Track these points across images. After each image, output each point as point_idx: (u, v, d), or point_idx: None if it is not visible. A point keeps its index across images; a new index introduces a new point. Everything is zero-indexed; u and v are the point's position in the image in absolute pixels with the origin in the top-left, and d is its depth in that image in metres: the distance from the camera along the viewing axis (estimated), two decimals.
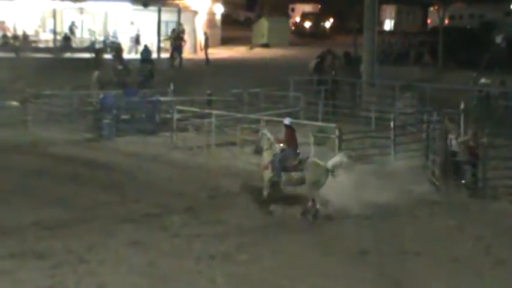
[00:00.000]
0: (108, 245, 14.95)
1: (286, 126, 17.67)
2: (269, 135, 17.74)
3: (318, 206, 16.80)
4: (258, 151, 17.92)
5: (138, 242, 15.16)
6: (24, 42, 41.56)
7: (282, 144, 17.38)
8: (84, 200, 18.25)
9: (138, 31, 43.35)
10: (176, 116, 25.11)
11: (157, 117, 27.11)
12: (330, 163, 16.91)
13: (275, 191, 17.57)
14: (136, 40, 42.99)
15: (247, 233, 15.86)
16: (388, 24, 72.26)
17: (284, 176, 17.13)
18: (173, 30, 43.25)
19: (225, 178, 20.34)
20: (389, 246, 15.34)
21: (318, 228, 16.42)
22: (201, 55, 45.91)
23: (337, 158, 17.20)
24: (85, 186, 19.52)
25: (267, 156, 17.49)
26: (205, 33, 46.39)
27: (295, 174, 17.01)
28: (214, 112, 25.09)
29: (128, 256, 14.42)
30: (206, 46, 44.59)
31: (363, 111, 27.92)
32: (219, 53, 48.42)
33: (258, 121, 25.01)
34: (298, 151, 17.38)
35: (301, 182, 16.99)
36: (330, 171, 16.79)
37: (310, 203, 16.89)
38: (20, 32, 42.70)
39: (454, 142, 19.59)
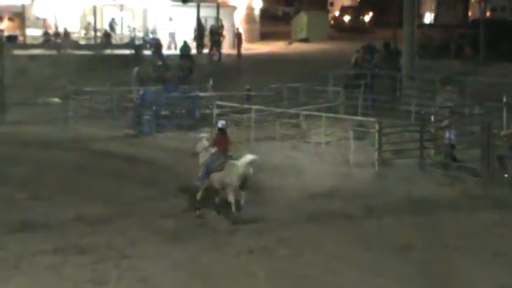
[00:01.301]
0: (149, 240, 15.03)
1: (218, 129, 17.45)
2: (205, 140, 17.59)
3: (233, 208, 16.28)
4: (194, 155, 17.70)
5: (179, 236, 15.23)
6: (65, 40, 41.95)
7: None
8: (125, 195, 18.38)
9: (175, 27, 43.49)
10: (216, 111, 25.18)
11: (197, 112, 27.20)
12: (240, 165, 16.39)
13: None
14: (174, 36, 43.15)
15: (287, 228, 15.79)
16: (428, 17, 71.55)
17: (206, 179, 16.88)
18: (212, 26, 43.37)
19: (264, 173, 20.29)
20: (432, 241, 15.17)
21: (358, 222, 16.31)
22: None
23: (247, 158, 16.66)
24: (126, 181, 19.64)
25: (200, 160, 17.35)
26: (237, 29, 46.28)
27: (214, 175, 16.66)
28: (254, 107, 25.08)
29: (169, 251, 14.48)
30: (239, 42, 44.37)
31: (403, 105, 27.67)
32: (257, 48, 48.40)
33: (297, 116, 24.99)
34: (229, 154, 17.04)
35: (222, 183, 16.66)
36: (243, 173, 16.31)
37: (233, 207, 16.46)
38: (61, 29, 43.12)
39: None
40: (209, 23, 44.20)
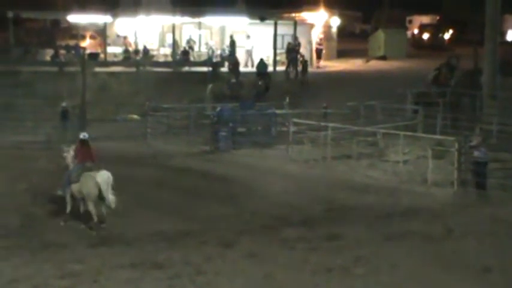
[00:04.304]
0: (225, 257, 15.03)
1: (80, 140, 17.92)
2: (69, 152, 18.03)
3: (94, 219, 16.85)
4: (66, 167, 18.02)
5: (255, 254, 15.17)
6: (144, 57, 42.65)
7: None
8: (201, 211, 18.47)
9: (252, 45, 43.69)
10: (292, 128, 25.14)
11: (273, 130, 27.25)
12: (98, 177, 16.88)
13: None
14: (251, 53, 43.34)
15: (364, 247, 15.59)
16: (511, 35, 70.00)
17: (68, 189, 17.32)
18: (288, 43, 43.40)
19: (341, 191, 20.17)
20: None
21: (437, 242, 15.96)
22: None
23: (104, 174, 17.01)
24: (203, 198, 19.77)
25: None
26: (318, 43, 46.18)
27: (74, 187, 17.17)
28: (330, 125, 24.95)
29: (245, 268, 14.44)
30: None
31: (484, 124, 27.08)
32: (334, 65, 48.16)
33: (374, 134, 24.75)
34: (89, 165, 17.41)
35: (81, 194, 17.15)
36: (100, 184, 16.80)
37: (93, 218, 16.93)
38: (140, 47, 43.88)
39: None
40: (286, 41, 44.24)
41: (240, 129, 26.87)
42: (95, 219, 16.86)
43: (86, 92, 30.68)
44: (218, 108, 27.57)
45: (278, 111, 28.13)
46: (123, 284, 13.43)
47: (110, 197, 16.94)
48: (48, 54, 43.07)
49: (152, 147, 26.89)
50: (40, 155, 23.93)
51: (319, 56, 46.15)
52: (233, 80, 35.28)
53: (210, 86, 32.28)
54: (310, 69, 42.64)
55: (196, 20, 44.84)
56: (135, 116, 31.17)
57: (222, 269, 14.31)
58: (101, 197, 16.94)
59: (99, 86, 34.00)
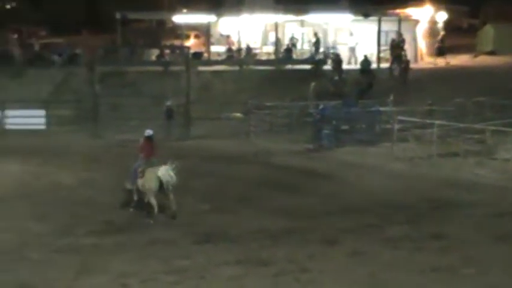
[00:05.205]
0: (329, 255, 14.92)
1: (145, 137, 18.58)
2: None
3: (155, 211, 17.41)
4: None
5: (359, 252, 15.00)
6: (247, 56, 42.88)
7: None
8: (304, 209, 18.40)
9: (355, 42, 43.28)
10: (396, 126, 24.75)
11: (377, 127, 26.92)
12: (159, 172, 17.54)
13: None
14: (354, 50, 42.94)
15: (473, 246, 15.17)
16: None
17: (134, 183, 18.12)
18: (392, 40, 42.79)
19: (448, 189, 19.72)
20: None
21: None
22: (421, 64, 45.01)
23: (164, 168, 17.57)
24: (305, 195, 19.71)
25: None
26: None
27: (139, 181, 17.94)
28: (436, 122, 24.41)
29: (349, 266, 14.29)
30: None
31: None
32: (440, 61, 47.19)
33: (482, 131, 24.07)
34: (154, 160, 18.12)
35: (144, 188, 17.89)
36: (161, 179, 17.46)
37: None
38: (243, 46, 44.15)
39: None
40: (390, 37, 43.61)
41: (344, 127, 26.67)
42: (155, 210, 17.44)
43: (190, 91, 31.09)
44: (321, 106, 27.44)
45: (382, 109, 27.78)
46: (228, 280, 13.51)
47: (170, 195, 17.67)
48: (153, 54, 43.92)
49: (255, 145, 27.02)
50: None
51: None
52: (336, 78, 35.07)
53: (312, 83, 32.16)
54: (420, 65, 41.89)
55: (299, 18, 44.74)
56: (238, 114, 31.37)
57: (326, 267, 14.20)
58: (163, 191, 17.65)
59: (202, 85, 34.39)
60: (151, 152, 18.38)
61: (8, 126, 31.34)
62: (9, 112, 31.79)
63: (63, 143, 28.15)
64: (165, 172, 17.54)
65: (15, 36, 48.56)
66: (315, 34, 43.45)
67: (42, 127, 31.25)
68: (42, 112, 32.05)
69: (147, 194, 17.79)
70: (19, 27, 50.29)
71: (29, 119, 31.27)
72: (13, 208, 18.56)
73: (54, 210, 18.42)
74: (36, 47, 44.88)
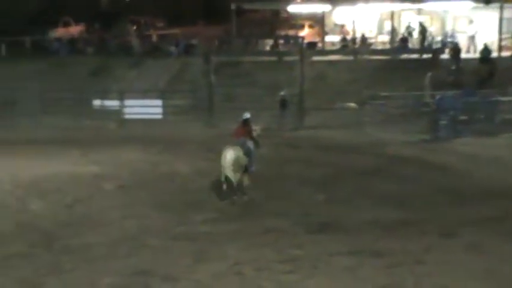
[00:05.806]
0: (445, 247, 14.60)
1: (243, 119, 19.10)
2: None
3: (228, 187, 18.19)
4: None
5: (477, 245, 14.60)
6: (362, 45, 42.50)
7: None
8: (420, 200, 18.10)
9: (475, 30, 42.11)
10: None
11: (496, 118, 26.14)
12: (229, 151, 18.01)
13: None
14: (473, 39, 41.78)
15: None
16: None
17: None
18: None
19: None
20: None
21: None
22: None
23: (231, 150, 18.03)
24: (420, 187, 19.39)
25: None
26: None
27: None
28: None
29: (466, 260, 13.92)
30: None
31: None
32: None
33: None
34: (241, 141, 18.58)
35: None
36: (227, 159, 17.94)
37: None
38: (358, 35, 43.76)
39: None
40: None
41: (462, 118, 26.04)
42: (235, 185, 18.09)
43: (304, 81, 31.08)
44: (438, 96, 26.88)
45: (502, 99, 26.94)
46: (341, 271, 13.43)
47: (231, 174, 18.09)
48: (267, 44, 44.15)
49: (369, 135, 26.75)
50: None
51: None
52: (453, 67, 34.27)
53: (429, 73, 31.54)
54: None
55: (416, 6, 43.93)
56: (353, 104, 31.14)
57: (442, 259, 13.90)
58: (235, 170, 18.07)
59: (316, 75, 34.33)
60: (241, 133, 18.86)
61: (126, 116, 32.25)
62: (128, 102, 32.71)
63: (179, 132, 28.75)
64: (232, 152, 17.93)
65: (134, 27, 49.96)
66: (421, 23, 42.56)
67: (159, 116, 32.02)
68: (159, 102, 32.84)
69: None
70: (138, 18, 51.63)
71: (146, 108, 32.09)
72: (134, 196, 19.09)
73: (171, 198, 18.84)
74: (154, 38, 46.02)
